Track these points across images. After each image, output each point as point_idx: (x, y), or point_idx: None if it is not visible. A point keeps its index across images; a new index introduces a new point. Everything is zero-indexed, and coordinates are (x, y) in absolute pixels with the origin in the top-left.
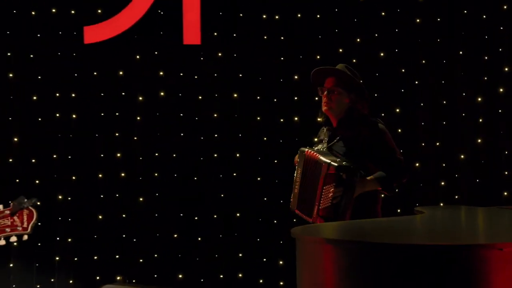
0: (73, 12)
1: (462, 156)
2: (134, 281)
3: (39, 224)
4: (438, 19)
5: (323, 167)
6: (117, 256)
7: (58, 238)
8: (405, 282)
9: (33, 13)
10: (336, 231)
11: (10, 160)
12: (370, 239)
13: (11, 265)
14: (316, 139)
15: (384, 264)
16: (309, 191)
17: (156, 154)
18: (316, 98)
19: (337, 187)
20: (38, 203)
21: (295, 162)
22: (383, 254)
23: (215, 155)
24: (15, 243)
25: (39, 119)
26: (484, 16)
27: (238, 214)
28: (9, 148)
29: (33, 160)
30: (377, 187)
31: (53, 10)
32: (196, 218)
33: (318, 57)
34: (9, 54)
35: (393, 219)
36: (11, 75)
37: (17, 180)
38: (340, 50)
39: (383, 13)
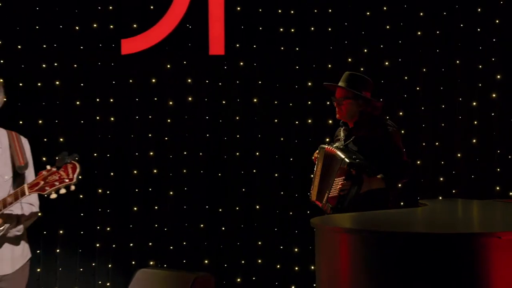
0: (111, 26)
1: (459, 155)
2: (165, 265)
3: (82, 214)
4: (437, 32)
5: (338, 161)
6: (150, 244)
7: (98, 227)
8: (414, 266)
9: (76, 28)
10: (351, 221)
11: (56, 158)
12: (383, 228)
13: (57, 251)
14: (333, 138)
15: (395, 251)
16: (325, 182)
17: (185, 153)
18: (328, 103)
19: (346, 181)
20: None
21: (314, 158)
22: (395, 242)
23: (237, 153)
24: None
25: (82, 121)
26: (479, 29)
27: (257, 207)
28: (55, 147)
29: (76, 158)
30: (383, 185)
31: (94, 25)
32: (220, 210)
33: (329, 66)
34: (55, 64)
35: (401, 210)
36: (57, 82)
37: None
38: (349, 60)
39: (387, 27)
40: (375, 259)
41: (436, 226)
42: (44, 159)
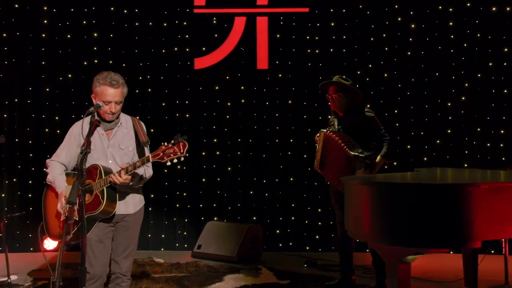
0: (187, 49)
1: (438, 141)
2: (225, 220)
3: (166, 183)
4: (422, 52)
5: (351, 155)
6: (214, 205)
7: (177, 193)
8: (417, 209)
9: (163, 50)
10: (370, 178)
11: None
12: (394, 181)
13: (150, 209)
14: (328, 123)
15: (404, 198)
16: (330, 162)
17: (239, 140)
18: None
19: (365, 169)
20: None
21: (316, 139)
22: (404, 191)
23: (277, 140)
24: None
25: (166, 117)
26: (452, 50)
27: (291, 179)
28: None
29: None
30: (385, 161)
31: (175, 49)
32: (264, 181)
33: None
34: (148, 77)
35: (404, 173)
36: (149, 90)
37: None
38: (358, 72)
39: (386, 48)
40: (388, 202)
41: (432, 180)
42: None
